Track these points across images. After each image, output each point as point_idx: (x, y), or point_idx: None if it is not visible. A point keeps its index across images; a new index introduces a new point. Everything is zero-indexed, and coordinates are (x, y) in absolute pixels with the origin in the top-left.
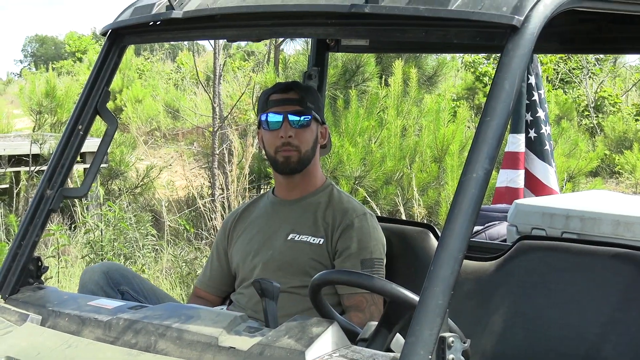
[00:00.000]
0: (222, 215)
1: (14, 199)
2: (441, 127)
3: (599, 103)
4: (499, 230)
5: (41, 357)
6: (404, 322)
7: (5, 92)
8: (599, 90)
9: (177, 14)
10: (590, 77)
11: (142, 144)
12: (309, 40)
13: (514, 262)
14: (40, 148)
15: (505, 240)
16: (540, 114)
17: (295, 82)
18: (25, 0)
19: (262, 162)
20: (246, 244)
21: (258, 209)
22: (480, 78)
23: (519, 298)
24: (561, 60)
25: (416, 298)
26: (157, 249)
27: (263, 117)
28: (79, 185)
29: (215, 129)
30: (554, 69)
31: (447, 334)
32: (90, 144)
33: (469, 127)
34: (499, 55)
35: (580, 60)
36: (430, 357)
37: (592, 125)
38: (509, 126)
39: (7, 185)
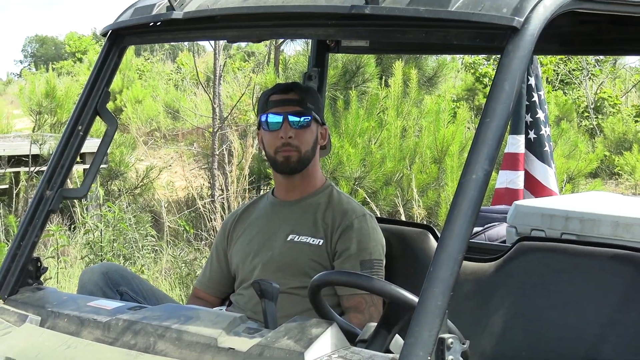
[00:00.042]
0: (221, 216)
1: (14, 200)
2: (441, 128)
3: (598, 104)
4: (499, 231)
5: (40, 357)
6: (403, 323)
7: (5, 92)
8: (598, 91)
9: (177, 14)
10: (590, 78)
11: (142, 144)
12: (309, 41)
13: (514, 263)
14: (40, 148)
15: (504, 242)
16: (540, 115)
17: (295, 82)
18: (26, 1)
19: (262, 163)
20: (246, 245)
21: (258, 209)
22: (480, 79)
23: (519, 299)
24: (561, 62)
25: (415, 299)
26: (156, 249)
27: (263, 118)
28: (79, 186)
29: (215, 130)
30: (554, 70)
31: (446, 335)
32: (90, 145)
33: (468, 128)
34: (499, 56)
35: (580, 62)
36: (429, 358)
37: (591, 126)
38: (508, 127)
39: (7, 186)
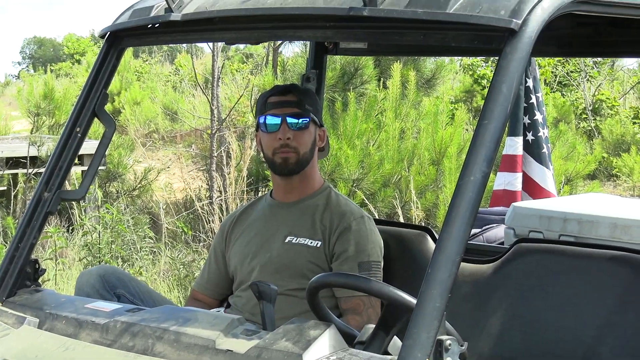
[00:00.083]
0: (220, 218)
1: (12, 202)
2: (439, 130)
3: (596, 106)
4: (497, 233)
5: (38, 359)
6: (401, 325)
7: (3, 94)
8: (596, 93)
9: (175, 16)
10: (588, 80)
11: (140, 146)
12: (307, 43)
13: (512, 265)
14: (38, 150)
15: (502, 243)
16: (538, 116)
17: (293, 84)
18: (25, 2)
19: (260, 165)
20: (244, 247)
21: (256, 211)
22: (479, 81)
23: (517, 301)
24: (559, 64)
25: (413, 301)
26: (154, 251)
27: (261, 120)
28: (77, 188)
29: (213, 132)
30: (552, 72)
31: (444, 337)
32: (88, 146)
33: (467, 130)
34: (497, 58)
35: (578, 64)
36: (427, 359)
37: (589, 128)
38: (506, 129)
39: (5, 188)
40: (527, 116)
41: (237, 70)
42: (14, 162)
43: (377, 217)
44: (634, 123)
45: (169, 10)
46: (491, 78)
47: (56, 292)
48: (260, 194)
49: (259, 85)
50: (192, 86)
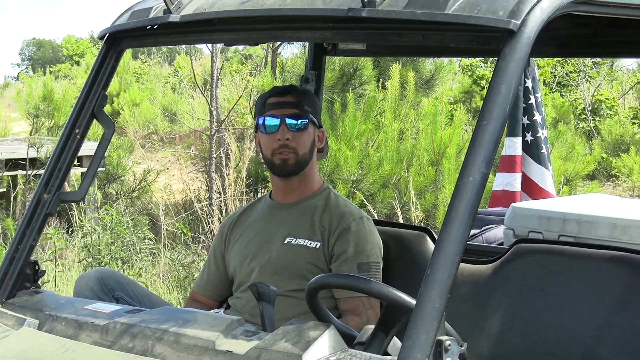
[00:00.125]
0: (219, 219)
1: (11, 203)
2: (438, 131)
3: (595, 106)
4: (496, 233)
5: None
6: (400, 326)
7: (2, 95)
8: (595, 93)
9: (174, 17)
10: (587, 80)
11: (140, 147)
12: (306, 43)
13: (511, 265)
14: (37, 152)
15: (502, 244)
16: (537, 117)
17: (292, 85)
18: (25, 3)
19: (260, 166)
20: (243, 248)
21: (255, 212)
22: (478, 81)
23: (516, 301)
24: (558, 64)
25: (413, 301)
26: (154, 252)
27: (260, 120)
28: (76, 189)
29: (212, 133)
30: (551, 73)
31: (444, 338)
32: (88, 148)
33: (466, 131)
34: (496, 58)
35: (577, 64)
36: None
37: (589, 128)
38: (505, 130)
39: (4, 189)
40: (526, 117)
41: (236, 72)
42: (13, 164)
43: (376, 218)
44: (633, 123)
45: (167, 11)
46: (490, 79)
47: (56, 294)
48: (259, 195)
49: (258, 87)
50: (191, 87)
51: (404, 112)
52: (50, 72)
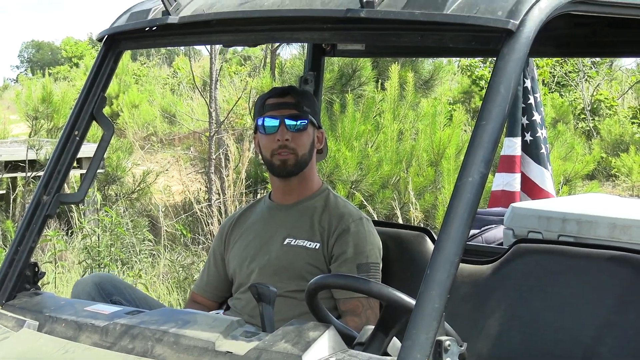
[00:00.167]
0: (218, 220)
1: (11, 205)
2: (437, 131)
3: (595, 106)
4: (495, 233)
5: None
6: (400, 326)
7: (1, 97)
8: (595, 93)
9: (173, 19)
10: (586, 80)
11: (139, 149)
12: (305, 44)
13: (510, 266)
14: (36, 154)
15: (501, 244)
16: (536, 117)
17: (291, 86)
18: (24, 5)
19: (259, 167)
20: (243, 250)
21: (255, 214)
22: (477, 82)
23: (515, 301)
24: (557, 64)
25: (412, 302)
26: (154, 254)
27: (259, 121)
28: (76, 191)
29: (211, 134)
30: (550, 73)
31: (443, 338)
32: (87, 150)
33: (465, 131)
34: (495, 59)
35: (576, 64)
36: None
37: (588, 128)
38: (504, 130)
39: (4, 191)
40: (526, 117)
41: (235, 73)
42: (12, 166)
43: (375, 219)
44: (633, 123)
45: (166, 13)
46: (489, 79)
47: (56, 295)
48: (258, 196)
49: (257, 88)
50: (190, 89)
51: (403, 112)
52: (50, 74)
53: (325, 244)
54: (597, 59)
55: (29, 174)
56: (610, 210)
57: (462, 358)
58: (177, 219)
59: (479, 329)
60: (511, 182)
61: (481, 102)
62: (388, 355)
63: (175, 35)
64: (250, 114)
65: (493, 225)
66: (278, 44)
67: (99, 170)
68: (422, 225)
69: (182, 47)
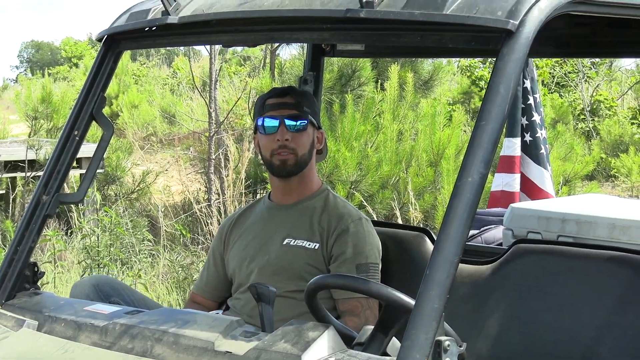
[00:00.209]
0: (218, 220)
1: (10, 205)
2: (437, 132)
3: (594, 107)
4: (495, 234)
5: None
6: (400, 326)
7: (1, 98)
8: (594, 93)
9: (172, 19)
10: (586, 80)
11: (138, 149)
12: (305, 45)
13: (510, 266)
14: (36, 154)
15: (501, 244)
16: (536, 117)
17: (291, 86)
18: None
19: (259, 167)
20: (242, 250)
21: (254, 214)
22: (476, 82)
23: (515, 302)
24: (557, 64)
25: (412, 302)
26: (153, 254)
27: (259, 122)
28: (75, 191)
29: (211, 134)
30: (550, 73)
31: (443, 338)
32: (86, 150)
33: (464, 131)
34: (494, 59)
35: (575, 64)
36: None
37: (588, 128)
38: (504, 130)
39: (3, 191)
40: (525, 117)
41: (234, 73)
42: (12, 166)
43: (375, 219)
44: (632, 123)
45: (166, 13)
46: (488, 79)
47: (55, 295)
48: (258, 196)
49: (257, 88)
50: (190, 89)
51: (403, 113)
52: (49, 74)
53: (324, 244)
54: (597, 59)
55: (28, 173)
56: (609, 210)
57: (461, 358)
58: (177, 219)
59: (479, 329)
60: (511, 182)
61: (481, 102)
62: (387, 355)
63: (174, 35)
64: (249, 114)
65: (492, 226)
66: (277, 44)
67: (98, 170)
68: (421, 225)
69: (181, 47)
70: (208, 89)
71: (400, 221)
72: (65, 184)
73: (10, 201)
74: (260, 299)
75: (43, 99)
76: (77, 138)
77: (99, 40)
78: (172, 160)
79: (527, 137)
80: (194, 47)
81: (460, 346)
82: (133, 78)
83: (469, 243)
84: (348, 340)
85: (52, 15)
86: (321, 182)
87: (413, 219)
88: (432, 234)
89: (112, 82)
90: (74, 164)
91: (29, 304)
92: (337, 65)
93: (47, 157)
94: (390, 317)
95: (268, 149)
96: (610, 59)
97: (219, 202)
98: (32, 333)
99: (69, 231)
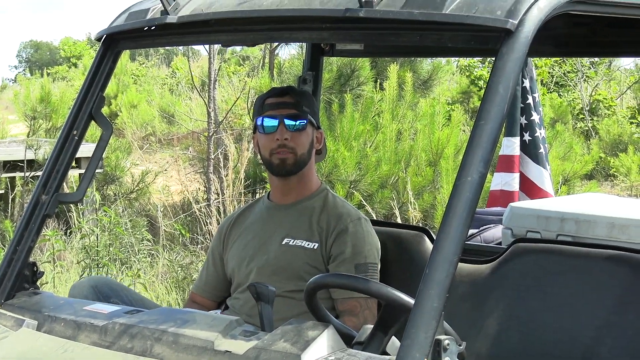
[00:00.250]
0: (217, 220)
1: (9, 205)
2: (436, 131)
3: (593, 106)
4: (494, 233)
5: None
6: (399, 325)
7: (0, 97)
8: (593, 93)
9: (171, 19)
10: (585, 80)
11: (138, 149)
12: (304, 44)
13: (509, 265)
14: (35, 153)
15: (500, 243)
16: (535, 117)
17: (290, 86)
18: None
19: (258, 167)
20: (241, 250)
21: (253, 214)
22: (476, 82)
23: (514, 301)
24: (556, 64)
25: (411, 301)
26: (152, 253)
27: (259, 121)
28: (74, 191)
29: (210, 134)
30: (549, 73)
31: (442, 337)
32: (85, 149)
33: (463, 131)
34: (493, 58)
35: (575, 64)
36: (425, 359)
37: (587, 128)
38: (503, 129)
39: (3, 191)
40: (524, 117)
41: (233, 73)
42: (11, 166)
43: (374, 219)
44: (631, 123)
45: (165, 12)
46: (488, 79)
47: (54, 295)
48: (257, 196)
49: (256, 88)
50: (189, 89)
51: (402, 112)
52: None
53: (323, 244)
54: (596, 59)
55: (27, 173)
56: (608, 209)
57: (461, 357)
58: (176, 219)
59: (478, 328)
60: (510, 181)
61: (480, 102)
62: (387, 354)
63: (173, 35)
64: (248, 113)
65: (492, 225)
66: (277, 43)
67: (97, 170)
68: (420, 225)
69: (180, 47)
70: (207, 88)
71: (399, 221)
72: (64, 184)
73: (10, 201)
74: (260, 299)
75: (42, 98)
76: (76, 138)
77: (98, 40)
78: (171, 160)
79: (526, 137)
80: (193, 46)
81: (460, 345)
82: (132, 78)
83: (468, 242)
84: (347, 340)
85: (51, 15)
86: (320, 182)
87: (412, 219)
88: (432, 233)
89: (111, 81)
90: (73, 163)
91: (28, 303)
92: (336, 65)
93: (46, 157)
94: (389, 316)
95: (267, 149)
96: (610, 59)
97: (218, 201)
98: (31, 333)
99: (68, 231)
